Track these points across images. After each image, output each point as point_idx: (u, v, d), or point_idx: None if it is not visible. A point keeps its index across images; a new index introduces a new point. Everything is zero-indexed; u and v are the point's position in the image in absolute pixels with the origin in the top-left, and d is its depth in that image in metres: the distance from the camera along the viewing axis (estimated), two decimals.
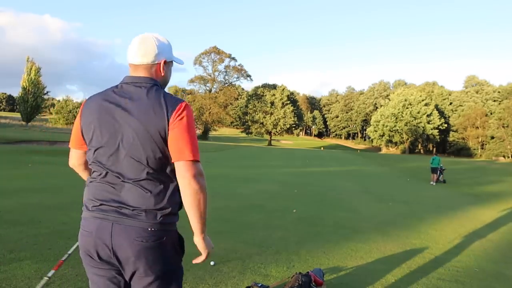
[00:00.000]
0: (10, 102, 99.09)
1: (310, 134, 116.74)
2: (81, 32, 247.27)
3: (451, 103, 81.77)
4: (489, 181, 19.56)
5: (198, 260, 1.63)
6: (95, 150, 1.46)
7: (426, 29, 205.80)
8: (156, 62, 1.51)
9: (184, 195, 1.44)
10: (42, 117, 59.71)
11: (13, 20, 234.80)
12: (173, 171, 1.46)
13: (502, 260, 4.72)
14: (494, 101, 77.81)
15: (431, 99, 76.78)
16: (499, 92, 79.60)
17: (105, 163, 1.44)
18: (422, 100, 71.94)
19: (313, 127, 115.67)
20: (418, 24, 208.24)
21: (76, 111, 55.52)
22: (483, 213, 8.91)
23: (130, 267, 1.42)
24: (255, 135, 72.59)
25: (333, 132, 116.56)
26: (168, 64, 1.58)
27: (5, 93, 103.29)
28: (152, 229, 1.42)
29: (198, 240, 1.62)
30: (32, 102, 43.69)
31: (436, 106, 75.22)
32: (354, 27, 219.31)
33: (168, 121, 1.38)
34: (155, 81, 1.50)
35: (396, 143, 73.78)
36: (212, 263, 3.72)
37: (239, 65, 67.27)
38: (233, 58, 66.62)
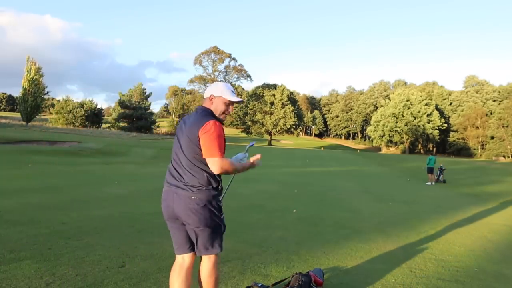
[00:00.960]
0: (10, 102, 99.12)
1: (310, 134, 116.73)
2: (82, 32, 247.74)
3: (451, 103, 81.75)
4: (489, 181, 19.56)
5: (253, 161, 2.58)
6: None
7: (426, 29, 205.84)
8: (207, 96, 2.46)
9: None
10: (42, 117, 59.75)
11: (14, 20, 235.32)
12: (203, 162, 2.28)
13: (502, 260, 4.72)
14: (494, 101, 77.81)
15: (431, 99, 76.77)
16: (499, 92, 79.59)
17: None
18: (423, 100, 71.91)
19: (313, 127, 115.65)
20: (418, 24, 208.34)
21: (76, 111, 55.58)
22: (483, 213, 8.91)
23: (183, 220, 2.32)
24: (255, 135, 72.56)
25: (333, 132, 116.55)
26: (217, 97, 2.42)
27: (5, 93, 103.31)
28: (193, 197, 2.26)
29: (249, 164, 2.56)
30: (32, 102, 43.68)
31: (436, 106, 75.20)
32: (354, 27, 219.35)
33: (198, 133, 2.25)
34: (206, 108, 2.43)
35: (396, 143, 73.76)
36: None
37: (239, 65, 67.44)
38: (233, 58, 66.79)
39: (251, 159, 2.56)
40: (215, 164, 2.22)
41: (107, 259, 3.64)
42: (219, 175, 2.34)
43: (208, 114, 2.35)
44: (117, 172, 13.16)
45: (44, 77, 44.26)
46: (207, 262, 2.36)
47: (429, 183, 16.92)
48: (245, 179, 11.95)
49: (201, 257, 2.38)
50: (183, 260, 2.40)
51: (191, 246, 2.39)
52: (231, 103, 2.43)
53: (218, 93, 2.39)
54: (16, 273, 3.14)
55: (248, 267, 3.70)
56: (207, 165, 2.26)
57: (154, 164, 18.05)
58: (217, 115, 2.39)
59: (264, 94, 69.85)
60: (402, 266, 4.15)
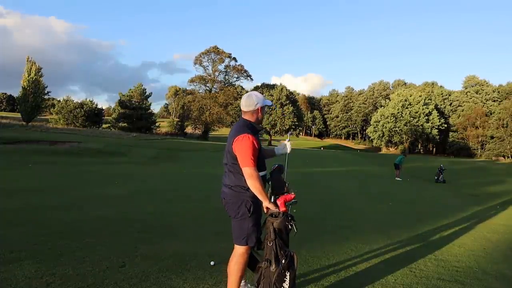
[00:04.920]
0: (11, 102, 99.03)
1: (310, 134, 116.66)
2: (86, 33, 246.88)
3: (451, 103, 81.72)
4: (489, 181, 19.55)
5: (264, 208, 2.71)
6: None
7: (426, 29, 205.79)
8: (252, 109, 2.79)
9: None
10: (42, 117, 59.73)
11: (20, 22, 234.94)
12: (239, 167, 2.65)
13: (502, 260, 4.72)
14: (494, 101, 77.78)
15: (431, 99, 76.74)
16: (498, 92, 79.57)
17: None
18: (421, 100, 71.88)
19: (313, 127, 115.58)
20: (418, 24, 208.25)
21: (76, 111, 55.57)
22: (483, 213, 8.91)
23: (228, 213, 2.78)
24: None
25: (333, 132, 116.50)
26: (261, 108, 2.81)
27: (5, 93, 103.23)
28: (231, 194, 2.69)
29: (266, 204, 2.67)
30: (32, 102, 43.71)
31: (436, 106, 75.18)
32: (354, 27, 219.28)
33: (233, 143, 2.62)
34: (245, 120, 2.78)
35: (396, 143, 73.74)
36: (212, 263, 3.72)
37: (239, 65, 67.17)
38: (233, 58, 66.51)
39: (265, 208, 2.73)
40: (249, 172, 2.54)
41: (107, 259, 3.64)
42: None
43: (245, 126, 2.67)
44: (117, 172, 13.16)
45: (47, 77, 44.61)
46: (235, 251, 2.75)
47: (398, 179, 17.78)
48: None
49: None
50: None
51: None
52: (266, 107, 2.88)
53: (262, 103, 2.77)
54: (16, 273, 3.14)
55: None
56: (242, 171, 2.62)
57: (154, 164, 18.05)
58: (261, 123, 2.84)
59: (263, 94, 69.80)
60: (402, 266, 4.15)
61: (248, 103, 2.73)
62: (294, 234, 2.70)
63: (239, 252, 2.73)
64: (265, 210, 2.70)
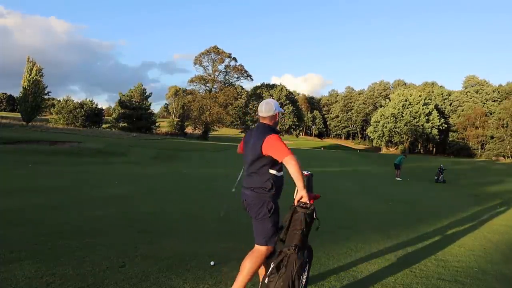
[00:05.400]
0: (11, 102, 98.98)
1: (310, 134, 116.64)
2: (86, 33, 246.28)
3: (451, 103, 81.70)
4: (489, 181, 19.55)
5: (298, 196, 2.76)
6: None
7: (425, 29, 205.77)
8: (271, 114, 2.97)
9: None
10: (42, 117, 59.72)
11: (20, 22, 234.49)
12: (263, 168, 2.78)
13: (502, 260, 4.72)
14: (494, 101, 77.77)
15: (431, 99, 76.73)
16: (498, 92, 79.56)
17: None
18: (421, 100, 71.87)
19: (313, 127, 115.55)
20: (418, 24, 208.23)
21: (76, 111, 55.61)
22: (483, 213, 8.91)
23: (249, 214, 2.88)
24: None
25: (333, 132, 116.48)
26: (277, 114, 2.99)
27: (6, 93, 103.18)
28: (254, 195, 2.79)
29: (300, 191, 2.73)
30: (32, 102, 43.70)
31: (436, 106, 75.16)
32: (354, 27, 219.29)
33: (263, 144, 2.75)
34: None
35: (396, 143, 73.73)
36: (212, 263, 3.72)
37: (239, 65, 67.15)
38: (234, 58, 66.49)
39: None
40: (291, 160, 2.65)
41: (107, 259, 3.64)
42: (273, 181, 2.77)
43: (267, 129, 2.87)
44: (117, 172, 13.16)
45: (48, 77, 44.67)
46: (255, 249, 2.81)
47: (398, 178, 17.82)
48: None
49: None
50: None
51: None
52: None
53: (279, 109, 2.99)
54: (16, 273, 3.14)
55: None
56: (271, 171, 2.77)
57: (154, 164, 18.05)
58: (277, 127, 3.02)
59: (263, 94, 69.78)
60: (402, 266, 4.15)
61: (268, 109, 2.94)
62: (316, 228, 2.83)
63: (258, 251, 2.80)
64: (296, 198, 2.77)
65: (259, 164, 2.79)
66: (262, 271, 2.95)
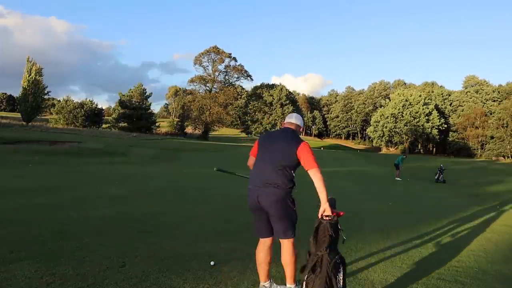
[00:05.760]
0: (11, 102, 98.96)
1: (310, 134, 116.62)
2: (86, 33, 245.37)
3: (451, 103, 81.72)
4: (489, 181, 19.56)
5: (322, 210, 2.87)
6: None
7: (425, 29, 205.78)
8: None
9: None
10: (42, 117, 59.70)
11: (20, 22, 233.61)
12: (290, 168, 2.97)
13: (502, 260, 4.72)
14: (494, 101, 77.78)
15: (431, 99, 76.75)
16: (498, 92, 79.57)
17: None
18: (421, 100, 71.89)
19: (313, 127, 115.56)
20: (418, 23, 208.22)
21: (76, 111, 55.62)
22: (483, 213, 8.91)
23: (268, 211, 2.94)
24: (254, 135, 72.53)
25: (333, 132, 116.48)
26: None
27: (5, 93, 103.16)
28: (277, 193, 2.91)
29: (323, 203, 2.86)
30: (32, 102, 43.70)
31: (436, 106, 75.17)
32: (354, 27, 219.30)
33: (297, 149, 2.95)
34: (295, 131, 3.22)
35: (396, 143, 73.76)
36: (212, 263, 3.72)
37: (239, 65, 67.12)
38: (233, 58, 66.48)
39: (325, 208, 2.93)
40: (318, 172, 2.86)
41: (107, 259, 3.64)
42: (294, 181, 2.98)
43: (299, 136, 3.17)
44: (117, 172, 13.16)
45: (48, 77, 44.67)
46: (287, 245, 2.96)
47: (398, 179, 17.82)
48: (245, 179, 11.94)
49: (279, 241, 2.99)
50: (264, 240, 3.06)
51: (270, 231, 3.03)
52: None
53: (303, 125, 3.31)
54: (16, 273, 3.14)
55: (248, 267, 3.70)
56: (291, 172, 2.96)
57: (154, 164, 18.05)
58: None
59: (263, 94, 69.79)
60: (402, 266, 4.15)
61: (298, 119, 3.27)
62: (342, 242, 2.98)
63: (290, 245, 2.96)
64: (320, 212, 2.88)
65: (286, 164, 2.94)
66: (267, 262, 3.07)
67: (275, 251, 3.11)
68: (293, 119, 3.25)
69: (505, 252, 5.18)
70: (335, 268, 2.64)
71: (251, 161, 3.28)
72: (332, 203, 3.09)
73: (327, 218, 2.84)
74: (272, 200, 2.89)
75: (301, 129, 3.30)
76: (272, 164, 2.96)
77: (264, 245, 3.07)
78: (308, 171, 2.92)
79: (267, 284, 3.08)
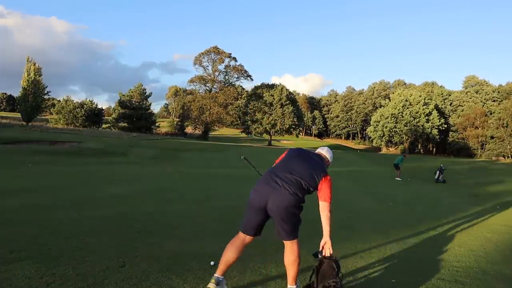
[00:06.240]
0: (11, 102, 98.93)
1: (310, 134, 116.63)
2: (86, 34, 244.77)
3: (451, 103, 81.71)
4: (489, 181, 19.55)
5: (323, 242, 3.06)
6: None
7: (425, 28, 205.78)
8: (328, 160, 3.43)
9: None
10: (42, 117, 59.70)
11: (21, 22, 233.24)
12: (307, 189, 3.06)
13: (502, 260, 4.72)
14: (494, 101, 77.78)
15: (431, 99, 76.75)
16: (498, 92, 79.57)
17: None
18: (421, 100, 71.89)
19: (313, 127, 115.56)
20: (418, 23, 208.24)
21: (76, 111, 55.60)
22: (483, 213, 8.91)
23: (276, 213, 2.99)
24: (254, 135, 72.54)
25: (333, 132, 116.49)
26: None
27: (5, 93, 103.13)
28: (291, 201, 2.97)
29: (326, 237, 3.05)
30: (32, 102, 43.70)
31: (436, 106, 75.16)
32: (354, 27, 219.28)
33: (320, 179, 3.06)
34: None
35: (396, 143, 73.75)
36: (212, 263, 3.72)
37: (239, 65, 67.08)
38: (233, 58, 66.45)
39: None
40: (328, 207, 3.02)
41: (107, 259, 3.64)
42: (304, 198, 3.06)
43: (326, 168, 3.24)
44: (117, 172, 13.16)
45: (48, 77, 44.68)
46: (290, 246, 3.04)
47: (398, 179, 17.82)
48: (245, 179, 11.95)
49: (283, 244, 3.07)
50: (244, 237, 3.07)
51: (255, 232, 3.07)
52: None
53: (332, 161, 3.43)
54: (16, 273, 3.14)
55: (248, 267, 3.70)
56: (306, 192, 3.04)
57: (154, 164, 18.05)
58: None
59: (263, 94, 69.78)
60: (402, 266, 4.15)
61: (328, 154, 3.43)
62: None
63: (294, 246, 3.03)
64: (321, 244, 3.05)
65: (309, 182, 3.02)
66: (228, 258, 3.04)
67: (276, 251, 3.11)
68: (324, 151, 3.43)
69: (505, 252, 5.18)
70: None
71: None
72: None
73: (328, 259, 2.99)
74: (283, 205, 2.93)
75: (328, 163, 3.40)
76: (295, 174, 3.03)
77: (239, 240, 3.06)
78: (320, 201, 3.04)
79: (221, 277, 3.01)
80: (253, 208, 3.04)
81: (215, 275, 3.02)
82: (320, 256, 3.09)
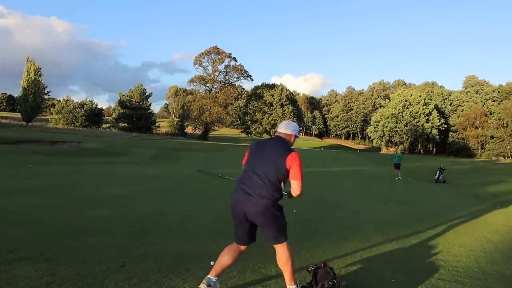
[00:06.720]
0: (11, 102, 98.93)
1: (310, 134, 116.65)
2: (86, 34, 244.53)
3: (451, 103, 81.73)
4: (489, 181, 19.54)
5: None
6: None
7: (425, 28, 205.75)
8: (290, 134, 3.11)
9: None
10: (42, 117, 59.69)
11: (21, 22, 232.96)
12: (278, 179, 2.90)
13: (502, 260, 4.71)
14: (494, 101, 77.80)
15: (431, 99, 76.76)
16: (498, 92, 79.60)
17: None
18: (421, 100, 71.89)
19: (313, 127, 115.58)
20: (418, 23, 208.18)
21: (76, 111, 55.61)
22: (483, 213, 8.90)
23: (253, 220, 2.93)
24: (254, 135, 72.51)
25: (333, 132, 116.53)
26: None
27: (5, 93, 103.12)
28: (262, 203, 2.87)
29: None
30: (32, 102, 43.68)
31: (436, 106, 75.17)
32: (354, 27, 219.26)
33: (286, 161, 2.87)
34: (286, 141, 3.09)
35: (396, 143, 73.77)
36: (212, 263, 3.71)
37: (239, 65, 67.10)
38: (233, 58, 66.47)
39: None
40: (298, 185, 2.89)
41: (107, 259, 3.64)
42: (281, 193, 2.94)
43: (289, 145, 3.05)
44: (117, 172, 13.16)
45: (48, 78, 44.67)
46: (280, 249, 2.97)
47: (397, 178, 17.83)
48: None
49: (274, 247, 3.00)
50: (239, 246, 3.05)
51: (248, 241, 3.04)
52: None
53: (297, 134, 3.16)
54: (16, 273, 3.14)
55: (248, 267, 3.70)
56: (279, 183, 2.90)
57: (154, 164, 18.05)
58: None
59: (263, 94, 69.77)
60: (402, 266, 4.15)
61: (287, 127, 3.13)
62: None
63: (283, 249, 2.97)
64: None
65: (276, 174, 2.88)
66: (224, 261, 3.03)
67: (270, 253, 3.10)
68: (282, 128, 3.13)
69: (505, 252, 5.18)
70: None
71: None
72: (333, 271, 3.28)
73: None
74: (258, 211, 2.85)
75: (292, 138, 3.12)
76: (259, 174, 2.90)
77: (236, 248, 3.04)
78: (290, 180, 2.92)
79: (213, 279, 2.98)
80: (237, 218, 3.01)
81: (208, 276, 2.99)
82: (314, 267, 3.22)
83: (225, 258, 3.00)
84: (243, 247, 3.06)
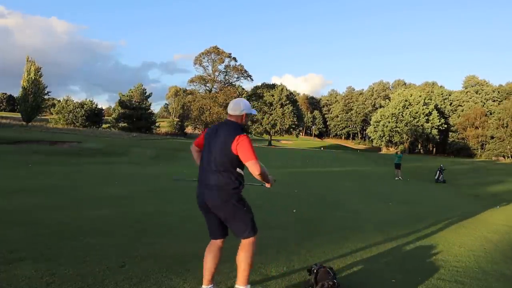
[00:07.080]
0: (11, 102, 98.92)
1: (310, 134, 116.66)
2: (86, 34, 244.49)
3: (451, 103, 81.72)
4: (489, 181, 19.55)
5: (268, 186, 3.08)
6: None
7: (425, 28, 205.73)
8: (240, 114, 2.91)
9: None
10: (42, 117, 59.70)
11: (21, 22, 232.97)
12: (231, 166, 2.77)
13: (502, 260, 4.71)
14: (494, 101, 77.80)
15: (431, 99, 76.76)
16: (498, 92, 79.60)
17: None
18: (421, 100, 71.89)
19: (313, 127, 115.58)
20: (418, 23, 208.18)
21: (76, 111, 55.67)
22: (482, 213, 8.91)
23: (215, 213, 2.86)
24: (254, 135, 72.54)
25: (333, 132, 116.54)
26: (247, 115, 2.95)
27: (5, 93, 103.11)
28: (219, 195, 2.78)
29: (269, 184, 3.06)
30: (32, 102, 43.69)
31: (436, 106, 75.17)
32: (354, 27, 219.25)
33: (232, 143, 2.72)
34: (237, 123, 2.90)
35: (396, 143, 73.77)
36: None
37: (239, 65, 67.11)
38: (233, 58, 66.48)
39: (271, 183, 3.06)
40: (254, 165, 2.69)
41: (107, 259, 3.64)
42: (240, 177, 2.81)
43: (238, 128, 2.82)
44: (117, 172, 13.16)
45: (48, 77, 44.65)
46: (244, 243, 2.84)
47: (397, 178, 17.91)
48: (245, 179, 11.95)
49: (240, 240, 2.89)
50: (215, 242, 2.96)
51: (222, 233, 2.94)
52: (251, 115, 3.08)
53: (248, 111, 2.93)
54: (16, 273, 3.14)
55: None
56: (233, 170, 2.77)
57: (154, 164, 18.05)
58: (244, 127, 2.98)
59: (263, 94, 69.78)
60: (402, 266, 4.14)
61: (235, 108, 2.90)
62: None
63: (247, 243, 2.84)
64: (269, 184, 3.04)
65: (227, 161, 2.74)
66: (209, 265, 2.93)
67: (276, 251, 3.10)
68: (230, 110, 2.91)
69: (505, 252, 5.18)
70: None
71: (193, 150, 3.16)
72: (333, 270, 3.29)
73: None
74: (217, 204, 2.76)
75: (243, 117, 2.91)
76: (211, 163, 2.79)
77: (214, 246, 2.95)
78: (245, 164, 2.74)
79: (209, 287, 2.92)
80: (203, 212, 2.93)
81: (202, 286, 2.92)
82: (315, 268, 3.21)
83: (209, 262, 2.90)
84: (219, 242, 2.95)
